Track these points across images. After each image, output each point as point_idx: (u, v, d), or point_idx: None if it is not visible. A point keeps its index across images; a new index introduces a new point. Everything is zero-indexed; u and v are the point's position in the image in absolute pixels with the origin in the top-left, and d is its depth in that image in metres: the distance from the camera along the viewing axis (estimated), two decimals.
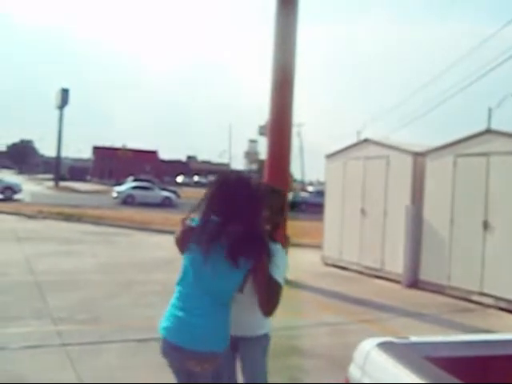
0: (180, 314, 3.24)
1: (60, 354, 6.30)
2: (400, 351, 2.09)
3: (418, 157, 11.88)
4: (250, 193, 3.30)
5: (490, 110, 42.96)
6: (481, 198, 10.37)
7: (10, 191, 34.91)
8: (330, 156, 14.81)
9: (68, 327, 7.29)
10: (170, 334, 3.25)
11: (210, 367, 3.18)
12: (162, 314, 3.44)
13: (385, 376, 2.01)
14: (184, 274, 3.30)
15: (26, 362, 6.05)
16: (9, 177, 52.34)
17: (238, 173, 3.55)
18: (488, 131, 10.73)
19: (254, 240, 3.21)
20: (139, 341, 6.83)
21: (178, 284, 3.32)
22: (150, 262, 12.88)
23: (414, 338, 2.33)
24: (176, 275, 3.40)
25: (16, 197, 34.63)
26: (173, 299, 3.32)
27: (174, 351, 3.23)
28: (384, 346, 2.14)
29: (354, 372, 2.23)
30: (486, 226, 10.28)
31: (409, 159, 11.98)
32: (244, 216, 3.21)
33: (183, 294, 3.29)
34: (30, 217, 22.59)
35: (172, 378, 3.38)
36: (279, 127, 11.87)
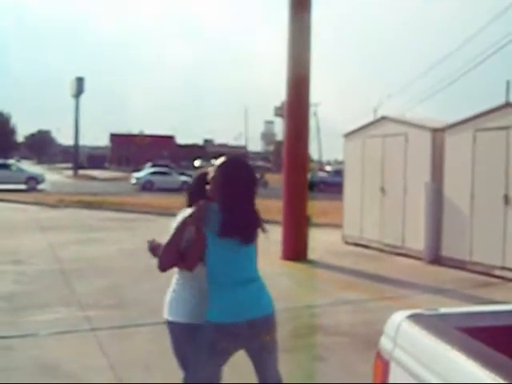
0: (234, 291, 3.40)
1: (89, 339, 6.41)
2: (430, 322, 2.13)
3: (437, 133, 11.82)
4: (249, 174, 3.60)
5: (508, 83, 42.46)
6: (501, 172, 10.32)
7: (33, 182, 35.23)
8: (347, 135, 14.78)
9: (96, 313, 7.41)
10: (236, 315, 3.39)
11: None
12: None
13: (417, 347, 2.05)
14: (220, 262, 3.40)
15: (57, 347, 6.17)
16: (30, 167, 52.73)
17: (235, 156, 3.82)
18: (507, 104, 10.65)
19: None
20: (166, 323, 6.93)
21: (212, 273, 3.42)
22: None
23: (443, 310, 2.38)
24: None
25: (39, 187, 34.94)
26: (214, 287, 3.42)
27: (245, 330, 3.39)
28: (414, 318, 2.18)
29: (385, 344, 2.27)
30: (506, 200, 10.24)
31: (427, 135, 11.93)
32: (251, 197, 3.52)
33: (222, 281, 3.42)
34: (52, 206, 22.81)
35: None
36: (296, 108, 11.89)
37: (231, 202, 3.42)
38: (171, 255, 3.45)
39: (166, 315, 3.69)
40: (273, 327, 3.58)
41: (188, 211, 3.47)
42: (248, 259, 3.52)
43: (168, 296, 3.74)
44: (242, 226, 3.42)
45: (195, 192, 3.73)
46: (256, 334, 3.47)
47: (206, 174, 3.70)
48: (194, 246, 3.40)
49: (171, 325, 3.67)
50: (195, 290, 3.56)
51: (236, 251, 3.41)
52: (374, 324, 6.68)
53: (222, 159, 3.65)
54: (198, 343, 3.46)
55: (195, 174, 3.93)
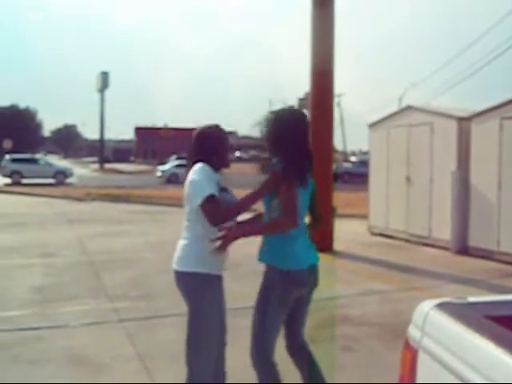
0: (307, 240, 3.84)
1: (118, 330, 6.49)
2: (459, 311, 2.13)
3: (463, 121, 11.72)
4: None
5: None
6: None
7: (61, 176, 35.66)
8: (372, 125, 14.72)
9: (124, 304, 7.49)
10: (313, 259, 3.85)
11: None
12: None
13: (445, 335, 2.05)
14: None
15: (87, 338, 6.26)
16: (57, 161, 53.26)
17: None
18: None
19: None
20: None
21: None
22: None
23: (471, 298, 2.37)
24: None
25: (67, 181, 35.34)
26: (296, 236, 3.70)
27: (307, 276, 3.78)
28: (443, 307, 2.18)
29: (413, 333, 2.28)
30: None
31: (453, 124, 11.83)
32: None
33: (301, 227, 3.77)
34: (79, 200, 23.06)
35: None
36: (320, 99, 11.86)
37: (299, 152, 3.74)
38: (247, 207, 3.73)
39: (185, 267, 3.76)
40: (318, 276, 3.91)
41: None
42: (304, 208, 3.82)
43: (184, 250, 3.81)
44: (306, 173, 3.72)
45: (198, 152, 3.90)
46: (311, 280, 3.83)
47: (205, 132, 3.97)
48: (292, 203, 3.53)
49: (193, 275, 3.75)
50: (206, 242, 3.67)
51: (304, 200, 3.73)
52: (402, 314, 6.68)
53: (274, 114, 3.88)
54: (267, 292, 3.71)
55: (195, 134, 4.01)
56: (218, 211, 3.62)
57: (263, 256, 3.79)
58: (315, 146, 12.14)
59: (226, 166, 3.95)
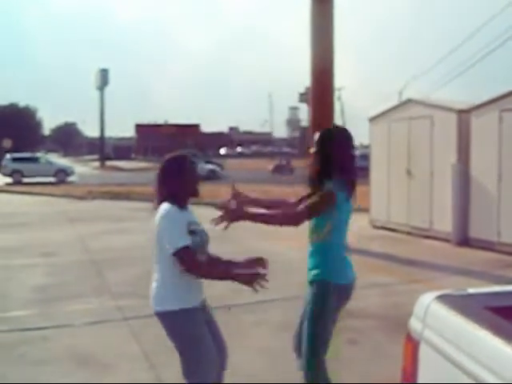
0: (344, 254, 4.02)
1: (122, 328, 6.53)
2: (459, 302, 2.16)
3: (463, 114, 11.73)
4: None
5: None
6: None
7: (62, 174, 35.63)
8: (373, 118, 14.73)
9: (127, 302, 7.52)
10: (350, 277, 4.02)
11: None
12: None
13: (446, 327, 2.08)
14: (340, 227, 3.92)
15: (91, 337, 6.30)
16: (58, 160, 53.25)
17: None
18: None
19: None
20: None
21: (335, 238, 3.90)
22: None
23: (471, 290, 2.40)
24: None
25: (68, 179, 35.35)
26: (338, 253, 3.95)
27: (351, 290, 4.03)
28: (443, 298, 2.21)
29: (414, 325, 2.31)
30: None
31: (453, 117, 11.85)
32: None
33: (342, 243, 3.98)
34: (80, 198, 23.09)
35: None
36: (321, 93, 11.86)
37: (350, 164, 3.93)
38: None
39: (164, 306, 3.71)
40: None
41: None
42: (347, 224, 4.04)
43: (159, 290, 3.74)
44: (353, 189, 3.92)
45: (161, 190, 3.80)
46: (350, 295, 4.02)
47: (164, 166, 3.82)
48: (319, 207, 3.80)
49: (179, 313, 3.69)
50: (179, 278, 3.65)
51: (347, 216, 3.97)
52: (404, 306, 6.70)
53: (321, 133, 4.04)
54: (320, 306, 3.84)
55: (163, 163, 3.86)
56: (193, 263, 3.58)
57: (317, 273, 3.91)
58: None
59: (194, 195, 3.82)
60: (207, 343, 3.68)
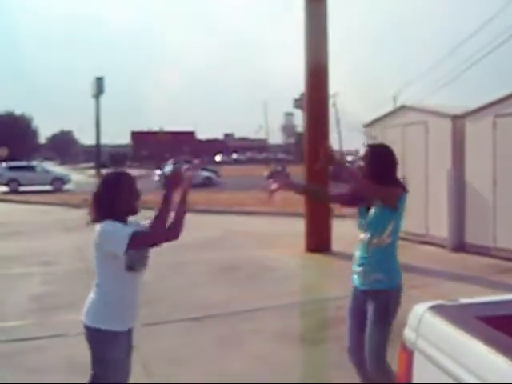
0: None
1: None
2: (451, 313, 2.19)
3: (457, 120, 11.77)
4: None
5: None
6: None
7: (59, 182, 35.57)
8: (368, 125, 14.76)
9: None
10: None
11: None
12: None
13: (438, 337, 2.10)
14: (397, 229, 4.24)
15: (87, 347, 6.28)
16: (54, 168, 53.20)
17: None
18: None
19: None
20: (194, 319, 7.03)
21: (394, 240, 4.14)
22: (196, 242, 13.06)
23: (463, 300, 2.43)
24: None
25: (65, 187, 35.29)
26: (395, 255, 4.18)
27: None
28: (436, 309, 2.24)
29: (408, 335, 2.33)
30: None
31: (447, 123, 11.89)
32: None
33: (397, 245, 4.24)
34: (77, 206, 23.03)
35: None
36: (316, 99, 11.92)
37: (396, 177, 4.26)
38: None
39: (93, 322, 3.70)
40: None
41: None
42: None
43: (93, 304, 3.74)
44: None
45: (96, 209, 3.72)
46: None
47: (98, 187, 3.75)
48: (395, 192, 4.24)
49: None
50: (115, 297, 3.66)
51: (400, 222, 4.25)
52: (400, 313, 6.71)
53: (371, 148, 4.38)
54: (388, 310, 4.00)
55: (100, 180, 3.83)
56: (150, 235, 3.66)
57: (382, 280, 4.02)
58: (311, 147, 12.29)
59: (132, 213, 3.79)
60: (122, 369, 3.75)
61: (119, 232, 3.50)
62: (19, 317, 7.34)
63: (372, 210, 4.06)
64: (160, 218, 3.65)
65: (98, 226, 3.61)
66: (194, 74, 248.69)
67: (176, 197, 3.68)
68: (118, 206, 3.65)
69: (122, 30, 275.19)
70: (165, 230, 3.65)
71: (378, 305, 3.95)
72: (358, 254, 4.13)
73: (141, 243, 3.56)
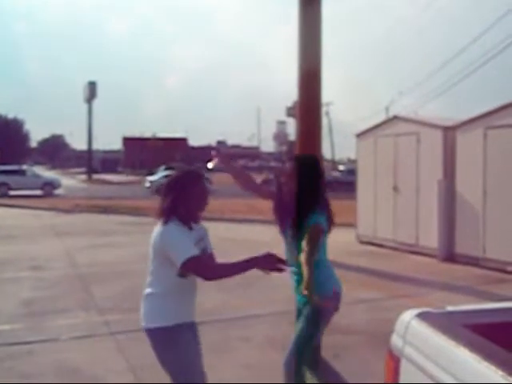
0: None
1: (109, 343, 6.54)
2: (438, 320, 2.23)
3: (448, 131, 11.87)
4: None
5: None
6: None
7: (49, 187, 35.44)
8: (360, 134, 14.86)
9: (115, 316, 7.53)
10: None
11: None
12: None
13: (425, 344, 2.15)
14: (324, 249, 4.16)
15: (78, 352, 6.30)
16: (44, 172, 53.04)
17: None
18: None
19: None
20: None
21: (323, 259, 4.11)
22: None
23: (450, 308, 2.47)
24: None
25: (55, 192, 35.19)
26: (329, 269, 4.21)
27: None
28: (423, 316, 2.28)
29: (395, 342, 2.37)
30: None
31: (439, 134, 11.99)
32: None
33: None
34: (67, 211, 23.03)
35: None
36: (308, 108, 11.94)
37: (324, 197, 4.15)
38: None
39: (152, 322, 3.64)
40: None
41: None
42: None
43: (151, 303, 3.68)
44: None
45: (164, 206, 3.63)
46: None
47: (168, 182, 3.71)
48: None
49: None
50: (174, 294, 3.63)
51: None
52: (390, 322, 6.75)
53: (296, 159, 4.34)
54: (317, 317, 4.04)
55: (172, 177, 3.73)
56: (207, 268, 3.51)
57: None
58: (303, 154, 12.24)
59: (195, 220, 3.71)
60: (198, 366, 3.64)
61: (184, 244, 3.43)
62: (10, 321, 7.34)
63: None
64: (225, 273, 3.53)
65: (160, 227, 3.55)
66: (187, 80, 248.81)
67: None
68: (185, 208, 3.57)
69: (117, 36, 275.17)
70: (215, 277, 3.57)
71: (310, 308, 4.03)
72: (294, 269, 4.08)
73: (195, 269, 3.43)
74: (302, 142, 12.09)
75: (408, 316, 2.34)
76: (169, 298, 3.57)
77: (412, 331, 2.26)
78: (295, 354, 4.03)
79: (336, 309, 4.14)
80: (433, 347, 2.09)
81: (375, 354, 5.97)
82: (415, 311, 2.35)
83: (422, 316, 2.29)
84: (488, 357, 1.83)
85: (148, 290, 3.67)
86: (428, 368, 2.06)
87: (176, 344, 3.55)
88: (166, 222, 3.51)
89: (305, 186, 4.03)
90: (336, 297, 4.13)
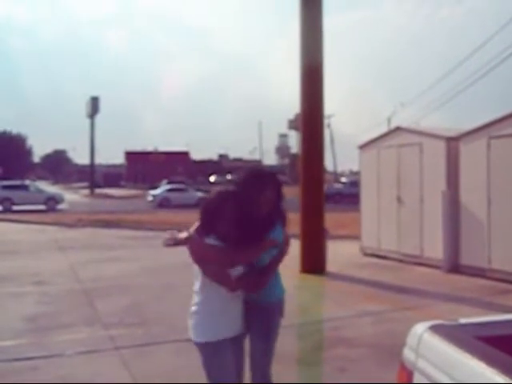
0: None
1: (114, 358, 6.49)
2: (451, 332, 2.20)
3: (451, 141, 11.85)
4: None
5: None
6: None
7: (53, 202, 35.51)
8: (363, 146, 14.84)
9: (119, 331, 7.49)
10: None
11: None
12: None
13: (439, 357, 2.11)
14: None
15: (83, 367, 6.25)
16: (48, 187, 53.10)
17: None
18: None
19: None
20: (189, 340, 6.99)
21: None
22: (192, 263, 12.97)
23: (463, 320, 2.44)
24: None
25: (58, 207, 35.22)
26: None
27: None
28: (435, 329, 2.25)
29: (408, 355, 2.34)
30: None
31: (442, 144, 11.96)
32: None
33: None
34: (70, 226, 23.01)
35: None
36: (311, 120, 11.98)
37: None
38: None
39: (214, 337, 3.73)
40: None
41: None
42: None
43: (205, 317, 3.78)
44: None
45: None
46: None
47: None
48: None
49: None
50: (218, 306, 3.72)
51: None
52: (397, 335, 6.71)
53: (251, 172, 4.15)
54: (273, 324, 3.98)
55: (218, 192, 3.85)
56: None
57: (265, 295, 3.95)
58: (306, 167, 12.33)
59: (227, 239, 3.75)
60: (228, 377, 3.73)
61: None
62: (14, 337, 7.29)
63: None
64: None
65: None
66: (188, 94, 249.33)
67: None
68: (221, 225, 3.69)
69: (119, 51, 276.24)
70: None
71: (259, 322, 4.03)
72: None
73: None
74: (304, 154, 12.10)
75: (420, 329, 2.31)
76: (212, 312, 3.73)
77: (425, 344, 2.23)
78: (265, 374, 3.99)
79: (282, 314, 4.06)
80: (446, 360, 2.05)
81: (382, 366, 5.92)
82: (427, 324, 2.31)
83: (434, 329, 2.25)
84: (503, 369, 1.80)
85: (196, 307, 3.80)
86: (442, 381, 2.03)
87: (215, 363, 3.73)
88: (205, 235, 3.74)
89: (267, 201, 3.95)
90: (282, 302, 4.08)
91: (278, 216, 3.97)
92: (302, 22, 11.92)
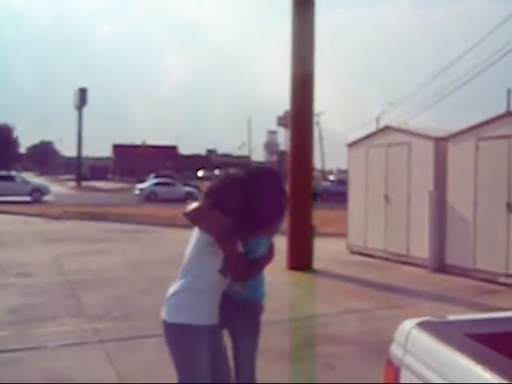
0: None
1: (98, 351, 6.45)
2: (439, 329, 2.19)
3: (440, 142, 11.89)
4: None
5: (508, 92, 42.53)
6: (503, 181, 10.38)
7: (38, 193, 35.27)
8: (351, 144, 14.86)
9: (104, 324, 7.45)
10: None
11: None
12: None
13: (427, 353, 2.11)
14: None
15: (66, 360, 6.21)
16: (34, 179, 52.78)
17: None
18: (509, 113, 10.73)
19: None
20: None
21: None
22: (178, 257, 12.94)
23: (451, 317, 2.44)
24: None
25: (44, 199, 35.00)
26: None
27: None
28: (424, 325, 2.25)
29: (395, 351, 2.33)
30: (509, 208, 10.29)
31: (430, 145, 12.00)
32: None
33: None
34: (56, 218, 22.88)
35: None
36: (300, 118, 11.98)
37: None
38: None
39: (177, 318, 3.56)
40: None
41: None
42: None
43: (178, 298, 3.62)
44: None
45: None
46: None
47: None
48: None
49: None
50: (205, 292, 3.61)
51: None
52: (382, 332, 6.72)
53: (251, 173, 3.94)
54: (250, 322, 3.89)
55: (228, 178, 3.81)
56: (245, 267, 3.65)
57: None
58: (295, 165, 12.33)
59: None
60: (200, 367, 3.55)
61: None
62: None
63: None
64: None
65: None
66: (177, 89, 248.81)
67: None
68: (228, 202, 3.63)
69: (107, 43, 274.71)
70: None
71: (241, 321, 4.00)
72: None
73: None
74: (293, 152, 12.09)
75: (408, 325, 2.30)
76: (199, 295, 3.56)
77: (412, 340, 2.22)
78: (251, 372, 3.93)
79: (262, 311, 4.01)
80: (434, 356, 2.05)
81: (367, 363, 5.94)
82: (415, 320, 2.31)
83: (422, 325, 2.25)
84: (491, 366, 1.80)
85: (180, 284, 3.62)
86: (429, 377, 2.03)
87: (190, 347, 3.52)
88: None
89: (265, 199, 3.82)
90: (263, 300, 4.05)
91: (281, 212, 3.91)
92: (293, 20, 11.90)
